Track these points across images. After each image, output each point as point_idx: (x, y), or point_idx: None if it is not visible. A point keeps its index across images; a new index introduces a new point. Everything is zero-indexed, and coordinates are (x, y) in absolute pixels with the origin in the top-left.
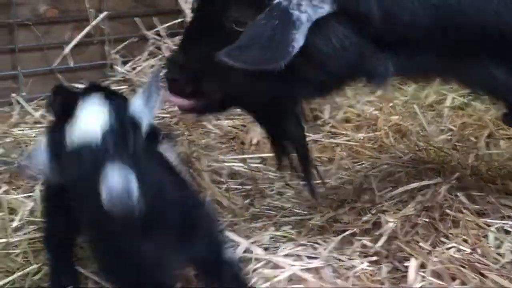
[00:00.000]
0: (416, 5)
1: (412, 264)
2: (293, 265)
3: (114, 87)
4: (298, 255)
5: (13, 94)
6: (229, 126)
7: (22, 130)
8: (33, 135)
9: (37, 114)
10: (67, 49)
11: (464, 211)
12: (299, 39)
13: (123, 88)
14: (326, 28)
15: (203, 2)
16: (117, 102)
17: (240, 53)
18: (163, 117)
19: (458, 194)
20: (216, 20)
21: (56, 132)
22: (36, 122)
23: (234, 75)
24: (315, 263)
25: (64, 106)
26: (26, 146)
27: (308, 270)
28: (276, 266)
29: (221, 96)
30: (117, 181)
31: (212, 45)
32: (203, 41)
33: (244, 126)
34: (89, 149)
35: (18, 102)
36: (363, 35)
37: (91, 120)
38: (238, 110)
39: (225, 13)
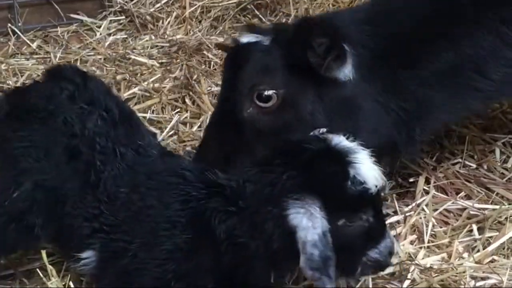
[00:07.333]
0: None
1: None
2: None
3: (112, 18)
4: None
5: (9, 25)
6: None
7: (18, 60)
8: (29, 65)
9: (34, 45)
10: None
11: (470, 126)
12: None
13: (121, 19)
14: None
15: None
16: None
17: None
18: (163, 46)
19: None
20: None
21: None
22: (32, 53)
23: None
24: None
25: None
26: (22, 76)
27: None
28: None
29: None
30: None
31: None
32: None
33: None
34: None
35: (14, 33)
36: None
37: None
38: None
39: None
